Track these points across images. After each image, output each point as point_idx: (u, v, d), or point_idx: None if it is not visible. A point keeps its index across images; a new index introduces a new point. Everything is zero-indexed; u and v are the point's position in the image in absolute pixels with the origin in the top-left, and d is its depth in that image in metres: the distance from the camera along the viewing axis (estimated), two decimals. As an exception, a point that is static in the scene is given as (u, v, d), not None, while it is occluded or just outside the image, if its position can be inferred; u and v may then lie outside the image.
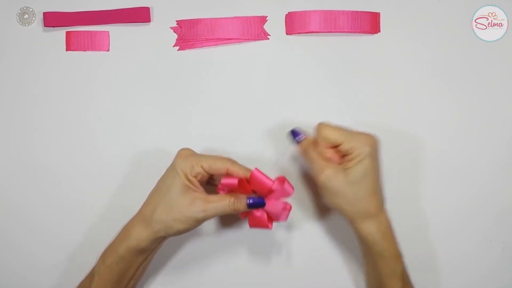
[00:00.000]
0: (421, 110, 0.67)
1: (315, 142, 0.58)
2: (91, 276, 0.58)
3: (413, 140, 0.66)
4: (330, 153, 0.58)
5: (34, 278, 0.65)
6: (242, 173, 0.56)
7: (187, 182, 0.55)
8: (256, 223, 0.58)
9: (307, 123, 0.66)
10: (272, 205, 0.57)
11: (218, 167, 0.56)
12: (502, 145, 0.66)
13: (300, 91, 0.67)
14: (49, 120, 0.66)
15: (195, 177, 0.56)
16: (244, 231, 0.66)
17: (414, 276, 0.60)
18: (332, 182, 0.55)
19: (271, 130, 0.66)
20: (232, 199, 0.56)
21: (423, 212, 0.66)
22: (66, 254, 0.65)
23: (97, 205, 0.65)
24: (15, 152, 0.66)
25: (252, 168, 0.56)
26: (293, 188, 0.58)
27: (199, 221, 0.56)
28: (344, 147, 0.56)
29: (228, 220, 0.66)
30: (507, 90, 0.67)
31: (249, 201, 0.56)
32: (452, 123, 0.67)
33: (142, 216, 0.57)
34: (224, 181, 0.56)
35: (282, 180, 0.57)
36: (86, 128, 0.66)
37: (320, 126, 0.58)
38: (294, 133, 0.61)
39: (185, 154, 0.57)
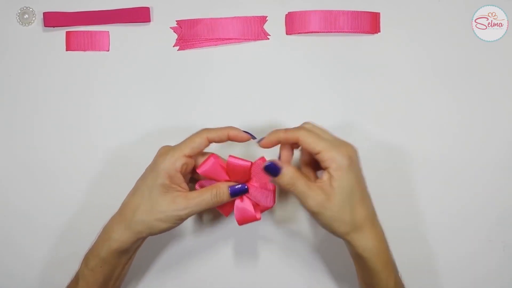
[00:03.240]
0: (421, 110, 0.67)
1: (296, 171, 0.54)
2: (75, 280, 0.57)
3: (413, 140, 0.66)
4: (306, 168, 0.57)
5: (34, 277, 0.65)
6: (221, 133, 0.56)
7: (167, 182, 0.54)
8: (243, 218, 0.57)
9: (307, 123, 0.66)
10: (253, 189, 0.56)
11: (199, 143, 0.55)
12: (503, 145, 0.66)
13: (300, 91, 0.67)
14: (49, 120, 0.66)
15: (182, 170, 0.55)
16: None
17: (414, 277, 0.60)
18: (326, 209, 0.53)
19: (271, 130, 0.66)
20: (214, 190, 0.55)
21: (423, 212, 0.66)
22: (68, 253, 0.65)
23: (98, 205, 0.65)
24: (15, 152, 0.66)
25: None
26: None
27: (182, 219, 0.55)
28: (322, 156, 0.53)
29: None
30: (507, 90, 0.67)
31: (231, 189, 0.55)
32: (453, 123, 0.67)
33: (122, 217, 0.56)
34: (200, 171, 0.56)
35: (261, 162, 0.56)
36: (86, 128, 0.66)
37: (301, 134, 0.54)
38: (274, 169, 0.54)
39: (165, 150, 0.56)
